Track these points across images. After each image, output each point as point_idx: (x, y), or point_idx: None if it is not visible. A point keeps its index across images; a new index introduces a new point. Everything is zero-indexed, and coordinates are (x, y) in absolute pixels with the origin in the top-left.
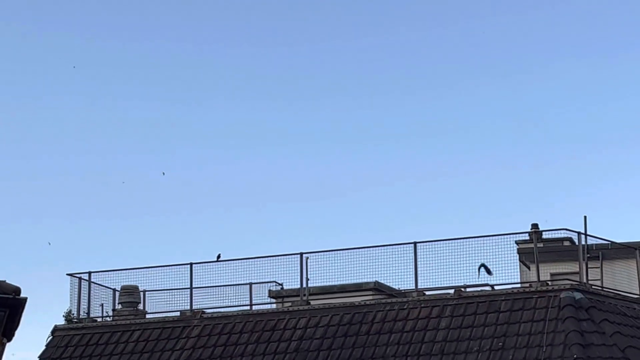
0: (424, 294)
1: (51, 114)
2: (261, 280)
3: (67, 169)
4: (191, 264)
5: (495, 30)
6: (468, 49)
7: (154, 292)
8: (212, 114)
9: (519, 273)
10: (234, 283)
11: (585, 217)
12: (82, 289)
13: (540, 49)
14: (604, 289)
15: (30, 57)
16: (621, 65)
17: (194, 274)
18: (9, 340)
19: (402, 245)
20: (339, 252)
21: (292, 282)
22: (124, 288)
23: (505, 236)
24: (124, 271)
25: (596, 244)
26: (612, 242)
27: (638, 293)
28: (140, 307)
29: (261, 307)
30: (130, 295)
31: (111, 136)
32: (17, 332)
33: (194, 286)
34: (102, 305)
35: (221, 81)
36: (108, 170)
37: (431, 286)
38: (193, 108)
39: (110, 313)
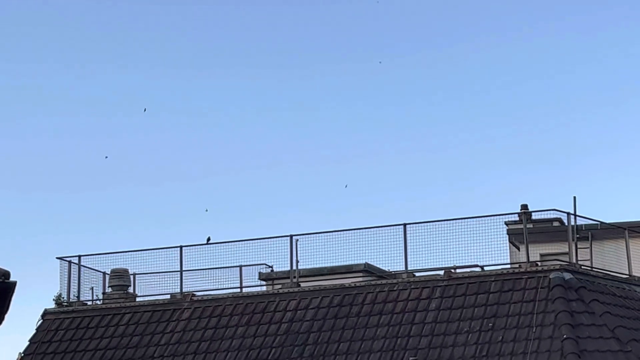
0: (414, 276)
1: (34, 84)
2: (251, 263)
3: (56, 150)
4: (181, 247)
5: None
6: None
7: (144, 275)
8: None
9: (508, 254)
10: (224, 266)
11: (574, 197)
12: (72, 272)
13: (523, 21)
14: (594, 269)
15: None
16: (609, 42)
17: (184, 257)
18: None
19: (391, 227)
20: (328, 234)
21: (282, 265)
22: (114, 271)
23: (495, 217)
24: (114, 254)
25: (586, 225)
26: (601, 222)
27: (627, 273)
28: (131, 290)
29: (251, 289)
30: (120, 279)
31: (102, 117)
32: (7, 316)
33: (184, 269)
34: (92, 288)
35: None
36: (96, 151)
37: (421, 267)
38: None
39: (101, 296)
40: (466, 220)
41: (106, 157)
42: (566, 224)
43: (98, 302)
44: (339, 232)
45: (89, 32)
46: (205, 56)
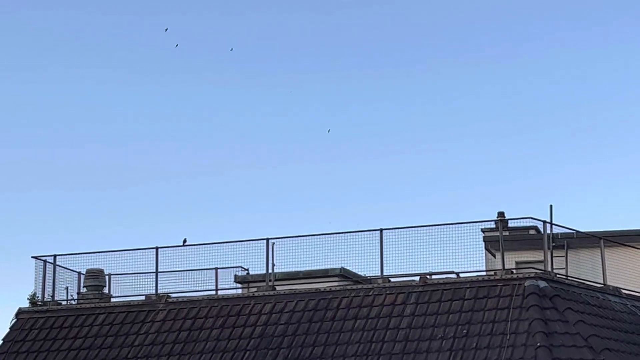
0: (389, 281)
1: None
2: (227, 265)
3: (31, 150)
4: (157, 248)
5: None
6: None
7: (120, 275)
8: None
9: (484, 261)
10: (200, 268)
11: (551, 206)
12: (47, 271)
13: (499, 31)
14: (569, 278)
15: None
16: (585, 54)
17: (159, 258)
18: None
19: (368, 232)
20: (305, 237)
21: (258, 268)
22: (89, 271)
23: (472, 224)
24: (90, 254)
25: (561, 233)
26: (577, 231)
27: (602, 282)
28: (106, 290)
29: (227, 292)
30: (96, 279)
31: (75, 117)
32: None
33: (159, 270)
34: (67, 288)
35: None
36: (74, 152)
37: (396, 273)
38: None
39: (75, 296)
40: (442, 226)
41: (329, 130)
42: (542, 232)
43: (73, 302)
44: (316, 236)
45: (69, 38)
46: (181, 58)
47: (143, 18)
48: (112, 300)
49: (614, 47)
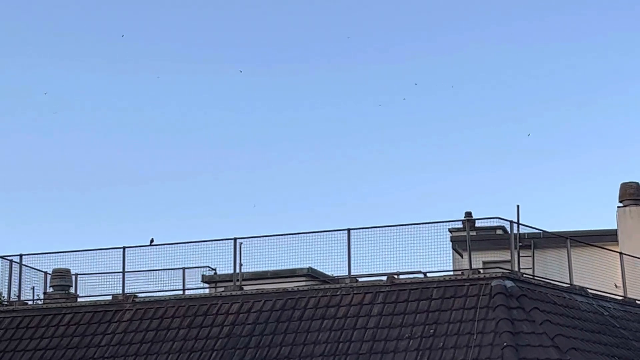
0: (357, 281)
1: None
2: (194, 265)
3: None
4: (124, 248)
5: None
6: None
7: (86, 275)
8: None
9: (451, 261)
10: (167, 267)
11: (518, 206)
12: (13, 271)
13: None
14: (535, 278)
15: None
16: (552, 51)
17: (126, 258)
18: None
19: (336, 232)
20: (272, 237)
21: (225, 267)
22: (55, 271)
23: (439, 224)
24: (56, 254)
25: (528, 233)
26: (544, 231)
27: (568, 282)
28: (72, 290)
29: (194, 291)
30: (62, 279)
31: (45, 116)
32: None
33: (126, 270)
34: (33, 288)
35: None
36: (40, 152)
37: (364, 273)
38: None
39: (42, 296)
40: (410, 226)
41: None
42: (509, 232)
43: (39, 301)
44: (283, 236)
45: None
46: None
47: (126, 11)
48: (79, 300)
49: (579, 45)
